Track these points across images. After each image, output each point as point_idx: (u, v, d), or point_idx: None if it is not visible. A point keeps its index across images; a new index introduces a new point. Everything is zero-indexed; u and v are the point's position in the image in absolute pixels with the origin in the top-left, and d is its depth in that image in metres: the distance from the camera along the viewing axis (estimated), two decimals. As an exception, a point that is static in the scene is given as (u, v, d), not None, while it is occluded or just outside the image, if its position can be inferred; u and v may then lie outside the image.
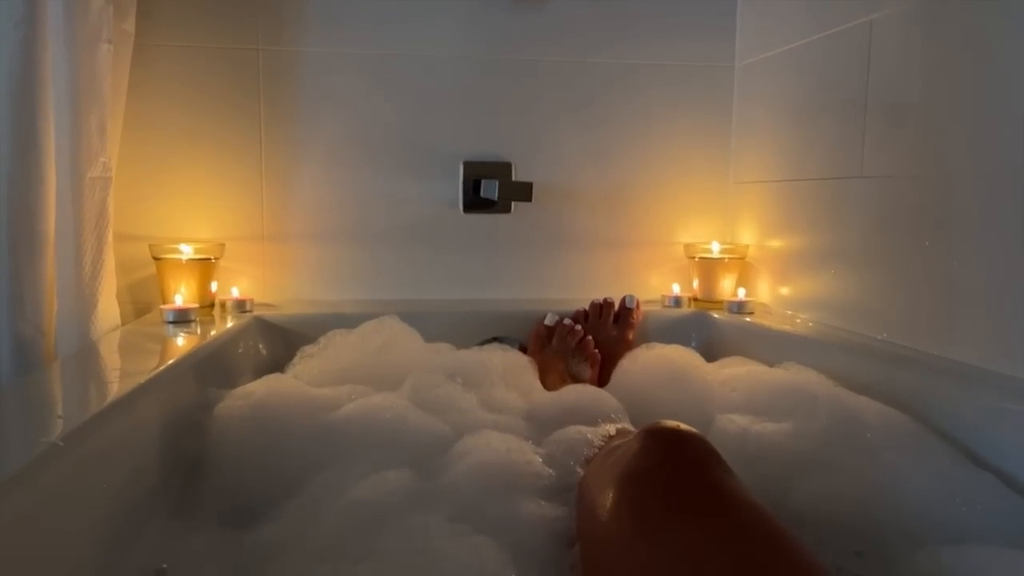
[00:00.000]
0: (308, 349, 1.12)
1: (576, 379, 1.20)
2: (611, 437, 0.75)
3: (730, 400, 0.99)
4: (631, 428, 0.79)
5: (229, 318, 1.21)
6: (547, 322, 1.28)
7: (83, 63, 1.05)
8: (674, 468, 0.55)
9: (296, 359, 1.10)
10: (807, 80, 1.26)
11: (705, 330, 1.35)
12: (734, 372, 1.07)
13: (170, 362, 0.86)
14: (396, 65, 1.39)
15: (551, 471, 0.70)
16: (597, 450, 0.72)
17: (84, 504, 0.58)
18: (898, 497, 0.75)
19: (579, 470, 0.69)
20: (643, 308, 1.34)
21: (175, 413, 0.81)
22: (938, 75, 0.98)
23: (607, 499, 0.56)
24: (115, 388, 0.74)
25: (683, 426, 0.59)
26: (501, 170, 1.41)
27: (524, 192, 1.35)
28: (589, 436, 0.75)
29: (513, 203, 1.43)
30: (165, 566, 0.60)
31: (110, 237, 1.13)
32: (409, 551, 0.54)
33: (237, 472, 0.76)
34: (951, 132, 0.95)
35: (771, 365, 1.08)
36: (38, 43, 1.02)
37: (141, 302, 1.32)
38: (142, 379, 0.75)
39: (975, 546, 0.65)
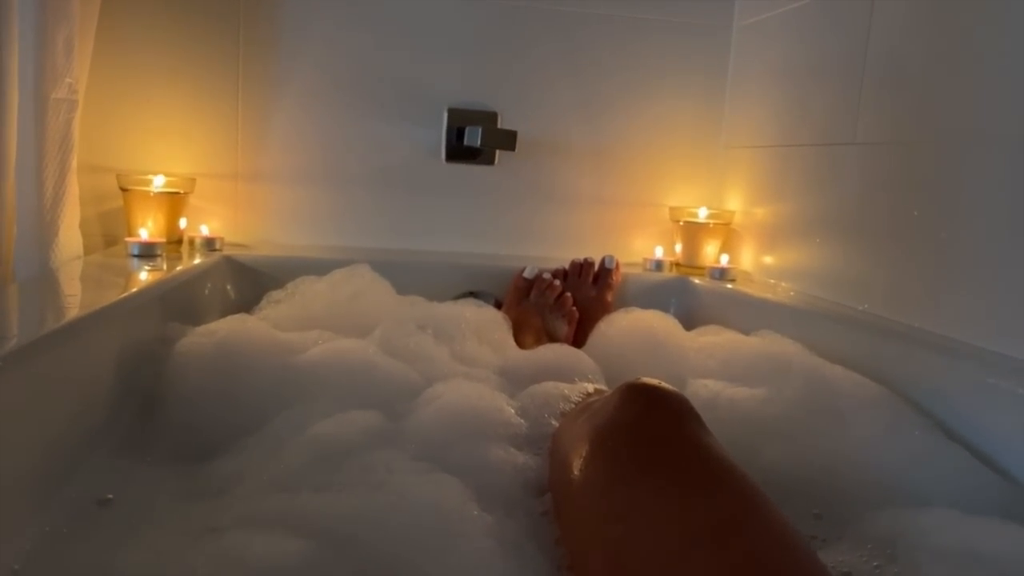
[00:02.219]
0: (275, 295, 1.09)
1: (552, 336, 1.18)
2: (588, 395, 0.74)
3: (705, 366, 0.98)
4: (607, 390, 0.77)
5: (197, 255, 1.17)
6: (526, 274, 1.25)
7: (50, -25, 0.99)
8: (651, 422, 0.55)
9: (263, 303, 1.08)
10: (806, 42, 1.23)
11: (685, 295, 1.33)
12: (711, 340, 1.06)
13: (132, 291, 0.82)
14: (384, 4, 1.33)
15: (523, 421, 0.68)
16: (574, 406, 0.71)
17: (21, 427, 0.55)
18: (864, 465, 0.73)
19: (553, 423, 0.68)
20: (623, 270, 1.31)
21: (133, 346, 0.78)
22: (940, 38, 0.95)
23: (582, 449, 0.55)
24: (71, 314, 0.70)
25: (663, 383, 0.58)
26: (487, 119, 1.37)
27: (508, 140, 1.31)
28: (566, 391, 0.73)
29: (497, 155, 1.40)
30: (111, 496, 0.57)
31: (74, 163, 1.08)
32: (369, 484, 0.52)
33: (196, 408, 0.73)
34: (948, 98, 0.93)
35: (748, 333, 1.07)
36: (2, -49, 0.96)
37: (111, 234, 1.27)
38: (97, 307, 0.72)
39: (932, 509, 0.64)
